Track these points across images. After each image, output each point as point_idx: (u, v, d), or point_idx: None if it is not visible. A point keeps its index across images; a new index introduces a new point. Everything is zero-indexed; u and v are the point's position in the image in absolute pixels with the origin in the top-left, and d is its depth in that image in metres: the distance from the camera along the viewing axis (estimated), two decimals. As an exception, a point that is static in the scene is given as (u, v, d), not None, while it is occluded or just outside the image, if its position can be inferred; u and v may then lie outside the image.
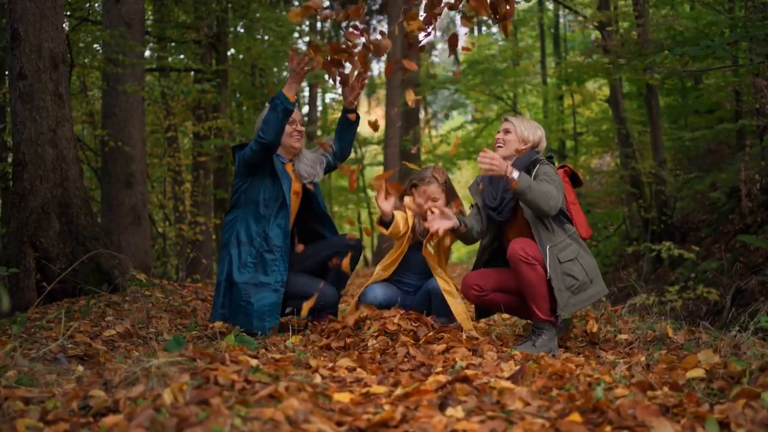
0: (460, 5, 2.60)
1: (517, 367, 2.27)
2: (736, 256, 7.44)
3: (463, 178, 22.80)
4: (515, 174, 2.90)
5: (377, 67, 20.02)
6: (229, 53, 10.75)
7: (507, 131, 3.25)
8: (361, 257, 3.81)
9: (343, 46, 2.64)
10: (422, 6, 2.63)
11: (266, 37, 11.42)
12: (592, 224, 10.76)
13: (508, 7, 2.53)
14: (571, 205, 3.23)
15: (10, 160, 6.32)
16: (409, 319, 3.13)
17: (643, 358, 2.65)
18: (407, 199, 3.37)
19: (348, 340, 2.97)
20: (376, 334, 2.95)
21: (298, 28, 12.31)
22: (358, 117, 3.59)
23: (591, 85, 14.95)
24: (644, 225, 10.11)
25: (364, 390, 2.04)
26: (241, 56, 11.58)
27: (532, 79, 15.39)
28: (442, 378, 2.08)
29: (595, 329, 3.37)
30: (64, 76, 4.55)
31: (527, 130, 3.23)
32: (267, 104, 3.44)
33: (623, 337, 3.28)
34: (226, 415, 1.54)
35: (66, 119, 4.51)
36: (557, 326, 3.07)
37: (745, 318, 3.07)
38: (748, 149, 7.89)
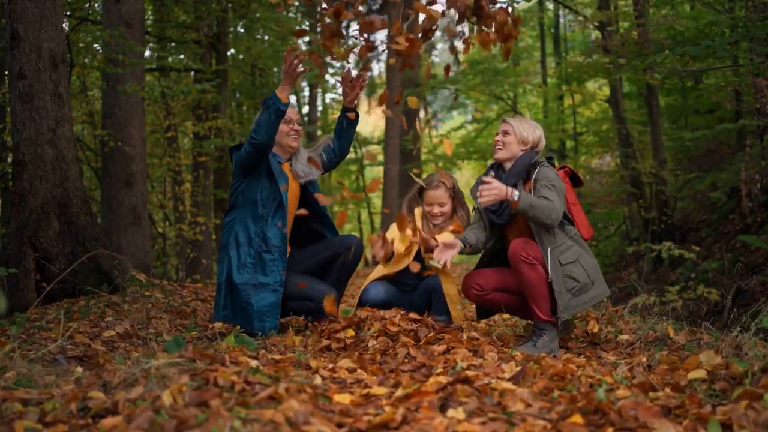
0: (461, 31, 2.57)
1: (518, 368, 2.26)
2: (737, 256, 7.43)
3: (463, 177, 22.79)
4: (516, 195, 2.90)
5: (377, 67, 20.01)
6: (229, 53, 10.74)
7: (506, 133, 3.24)
8: (362, 257, 3.81)
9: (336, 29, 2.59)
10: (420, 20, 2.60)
11: (266, 37, 11.42)
12: (593, 224, 10.71)
13: (513, 29, 2.50)
14: (572, 206, 3.22)
15: (9, 160, 6.31)
16: (410, 319, 3.12)
17: (644, 359, 2.64)
18: (414, 235, 3.34)
19: (348, 341, 2.96)
20: (376, 334, 2.94)
21: (297, 28, 12.30)
22: (357, 116, 3.58)
23: (591, 85, 14.94)
24: (644, 225, 10.10)
25: (365, 391, 2.03)
26: (241, 56, 11.57)
27: (532, 79, 15.38)
28: (443, 379, 2.07)
29: (596, 330, 3.37)
30: (63, 76, 4.54)
31: (526, 130, 3.23)
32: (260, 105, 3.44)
33: (624, 337, 3.27)
34: (226, 416, 1.53)
35: (66, 119, 4.51)
36: (558, 327, 3.06)
37: (747, 318, 3.06)
38: (749, 149, 7.88)
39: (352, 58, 2.92)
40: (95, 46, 8.78)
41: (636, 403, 1.75)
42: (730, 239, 8.20)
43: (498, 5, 2.45)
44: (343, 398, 1.91)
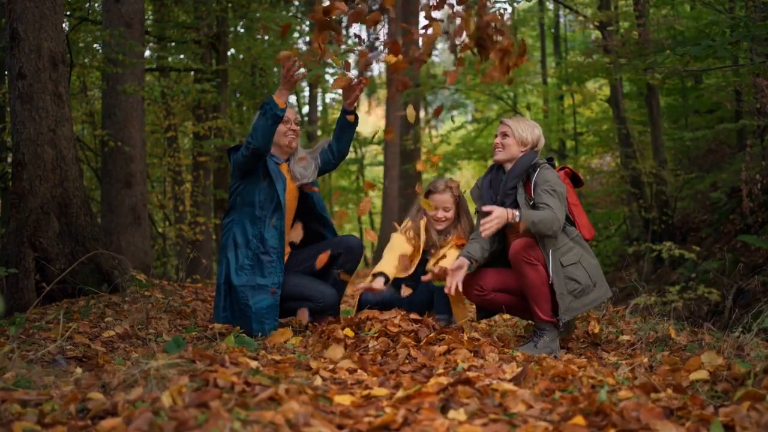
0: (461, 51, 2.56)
1: (519, 369, 2.25)
2: (737, 257, 7.43)
3: (463, 177, 22.77)
4: (517, 217, 2.91)
5: (377, 67, 20.00)
6: (229, 53, 10.73)
7: (505, 135, 3.23)
8: (362, 257, 3.81)
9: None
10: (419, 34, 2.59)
11: (266, 37, 11.41)
12: (593, 224, 10.70)
13: (518, 59, 2.48)
14: (573, 207, 3.21)
15: (9, 160, 6.30)
16: (410, 320, 3.11)
17: (645, 360, 2.64)
18: (430, 264, 3.33)
19: (348, 342, 2.95)
20: (376, 335, 2.93)
21: (298, 27, 12.30)
22: (356, 118, 3.57)
23: (591, 85, 14.93)
24: (645, 225, 10.10)
25: (365, 392, 2.02)
26: (241, 56, 11.56)
27: (532, 79, 15.37)
28: (444, 380, 2.06)
29: (596, 330, 3.36)
30: (63, 76, 4.53)
31: (525, 131, 3.22)
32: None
33: (625, 338, 3.27)
34: (226, 418, 1.52)
35: (65, 119, 4.50)
36: (559, 327, 3.06)
37: (748, 319, 3.05)
38: (749, 149, 7.86)
39: (351, 59, 2.91)
40: (95, 46, 8.77)
41: (638, 405, 1.74)
42: (730, 239, 8.19)
43: (503, 38, 2.43)
44: (344, 399, 1.90)
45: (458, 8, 2.41)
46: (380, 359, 2.64)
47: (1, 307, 2.82)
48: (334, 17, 2.54)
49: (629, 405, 1.74)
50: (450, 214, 3.50)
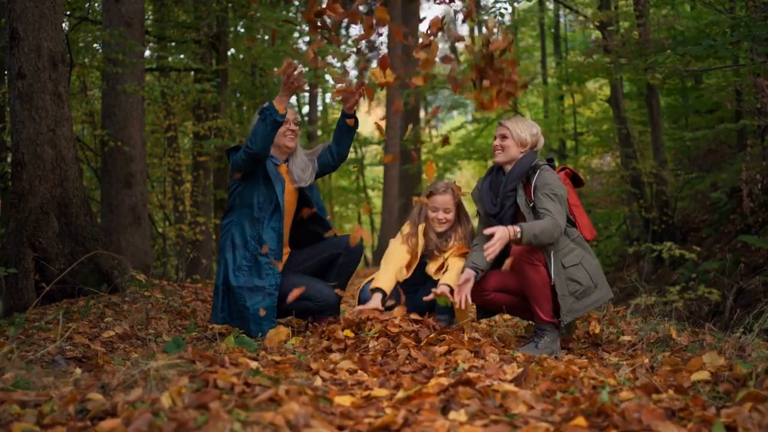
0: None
1: (520, 370, 2.24)
2: (738, 257, 7.42)
3: (463, 177, 22.77)
4: (518, 234, 2.90)
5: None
6: (229, 53, 10.72)
7: (504, 137, 3.23)
8: (362, 257, 3.80)
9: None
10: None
11: (266, 37, 11.40)
12: (594, 224, 10.67)
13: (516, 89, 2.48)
14: (574, 208, 3.20)
15: (9, 160, 6.29)
16: (411, 320, 3.10)
17: (646, 361, 2.63)
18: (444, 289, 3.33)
19: (348, 342, 2.94)
20: (377, 335, 2.93)
21: (298, 28, 12.28)
22: (356, 121, 3.56)
23: (591, 85, 14.93)
24: (645, 225, 10.09)
25: (366, 393, 2.01)
26: (241, 56, 11.55)
27: (532, 79, 15.35)
28: (445, 381, 2.05)
29: (597, 330, 3.35)
30: (63, 75, 4.52)
31: (523, 132, 3.21)
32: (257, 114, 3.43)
33: (626, 338, 3.26)
34: (226, 419, 1.52)
35: (65, 119, 4.49)
36: (560, 328, 3.05)
37: (750, 319, 3.05)
38: (749, 149, 7.86)
39: (349, 62, 2.90)
40: (95, 45, 8.76)
41: (639, 406, 1.73)
42: (730, 239, 8.19)
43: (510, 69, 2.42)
44: (344, 400, 1.89)
45: (459, 44, 2.42)
46: (380, 360, 2.64)
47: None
48: (327, 18, 2.53)
49: (631, 406, 1.73)
50: (451, 216, 3.49)
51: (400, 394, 1.92)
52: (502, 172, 3.26)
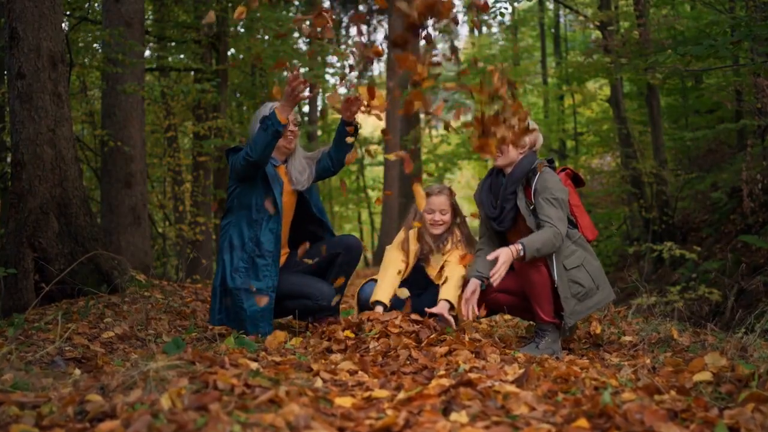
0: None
1: (521, 371, 2.23)
2: (738, 257, 7.41)
3: (463, 177, 22.77)
4: (521, 252, 2.90)
5: (377, 67, 19.98)
6: (229, 53, 10.71)
7: None
8: (361, 257, 3.79)
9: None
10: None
11: (266, 37, 11.39)
12: (594, 224, 10.66)
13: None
14: (575, 208, 3.19)
15: (8, 160, 6.28)
16: (411, 321, 3.10)
17: (648, 361, 2.62)
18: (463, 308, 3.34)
19: (348, 343, 2.93)
20: (377, 336, 2.92)
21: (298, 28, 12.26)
22: (356, 129, 3.54)
23: (591, 85, 14.92)
24: (645, 225, 10.08)
25: (366, 394, 2.00)
26: (241, 56, 11.54)
27: (532, 79, 15.36)
28: (446, 382, 2.04)
29: (598, 331, 3.34)
30: (63, 75, 4.52)
31: None
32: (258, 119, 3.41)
33: (627, 339, 3.25)
34: (225, 421, 1.51)
35: (65, 119, 4.48)
36: (561, 328, 3.04)
37: (751, 319, 3.04)
38: (750, 149, 7.85)
39: (348, 63, 2.88)
40: (95, 45, 8.75)
41: (642, 407, 1.72)
42: (731, 239, 8.18)
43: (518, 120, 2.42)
44: (345, 401, 1.88)
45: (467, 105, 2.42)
46: (381, 360, 2.63)
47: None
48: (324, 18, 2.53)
49: (633, 407, 1.72)
50: (447, 218, 3.48)
51: (401, 395, 1.91)
52: (502, 174, 3.25)
